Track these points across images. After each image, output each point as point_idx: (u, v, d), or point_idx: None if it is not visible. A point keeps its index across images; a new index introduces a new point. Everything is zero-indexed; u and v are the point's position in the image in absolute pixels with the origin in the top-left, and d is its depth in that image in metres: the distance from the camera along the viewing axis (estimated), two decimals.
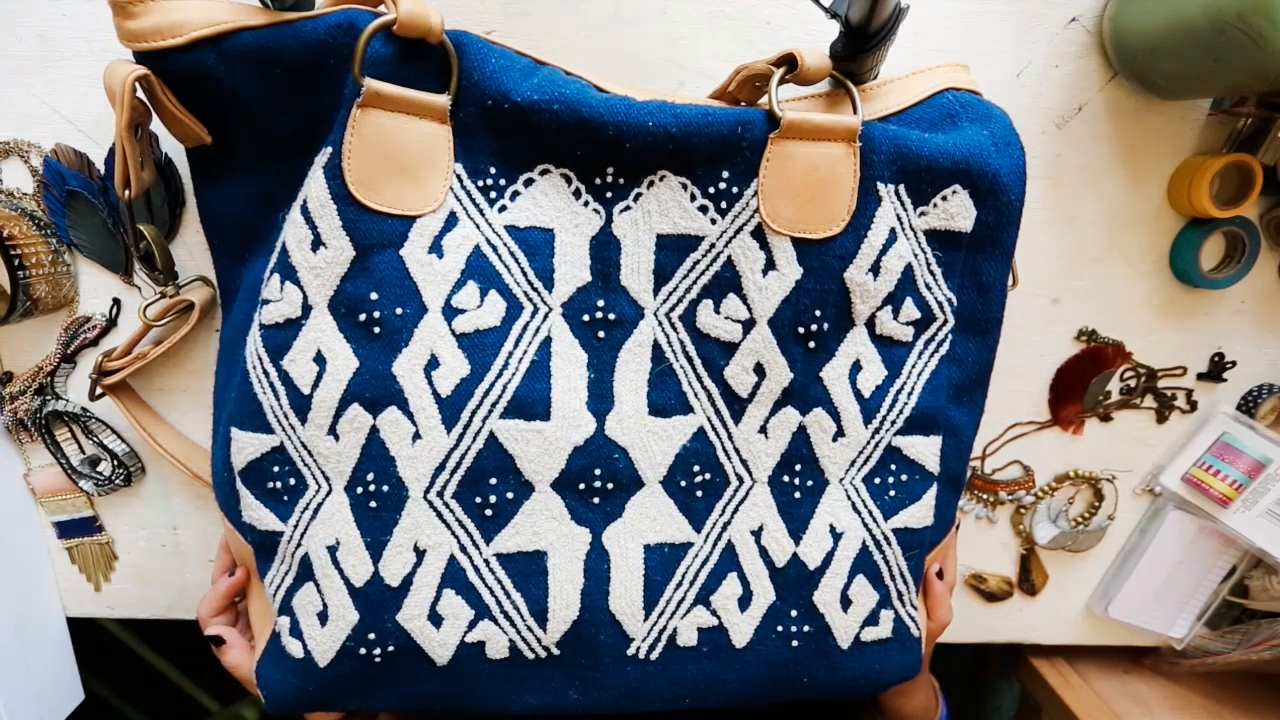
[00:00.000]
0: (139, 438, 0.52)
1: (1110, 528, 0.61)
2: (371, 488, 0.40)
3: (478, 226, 0.40)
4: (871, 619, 0.46)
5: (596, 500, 0.43)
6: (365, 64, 0.36)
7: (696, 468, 0.44)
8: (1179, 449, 0.59)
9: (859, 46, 0.39)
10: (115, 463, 0.52)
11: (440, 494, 0.41)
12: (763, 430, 0.44)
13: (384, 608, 0.41)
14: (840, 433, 0.44)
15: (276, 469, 0.41)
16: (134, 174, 0.40)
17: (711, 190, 0.41)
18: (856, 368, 0.44)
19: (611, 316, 0.42)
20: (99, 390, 0.48)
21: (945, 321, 0.45)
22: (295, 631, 0.42)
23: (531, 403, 0.41)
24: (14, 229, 0.45)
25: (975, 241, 0.44)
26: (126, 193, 0.40)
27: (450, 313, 0.40)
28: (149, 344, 0.48)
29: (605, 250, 0.42)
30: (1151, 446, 0.60)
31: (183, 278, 0.48)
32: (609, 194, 0.41)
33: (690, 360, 0.43)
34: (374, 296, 0.38)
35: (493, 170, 0.40)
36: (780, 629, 0.45)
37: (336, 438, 0.40)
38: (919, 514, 0.46)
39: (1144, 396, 0.58)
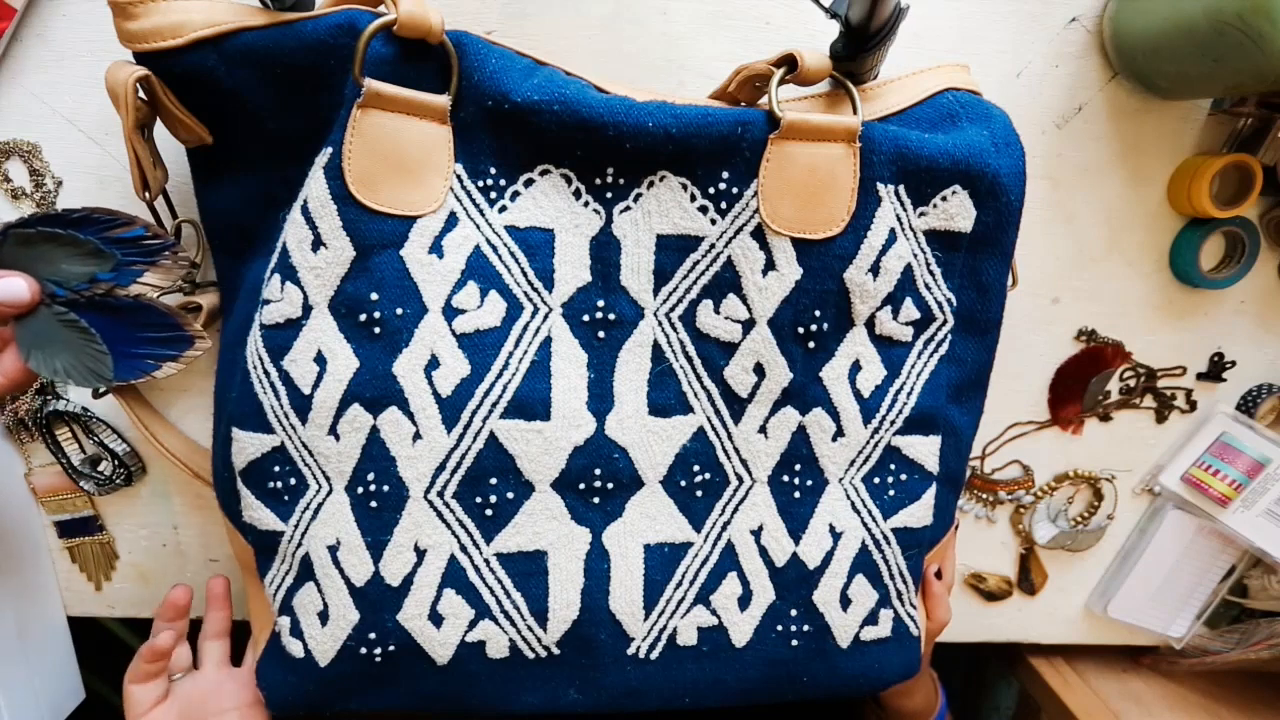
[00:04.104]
0: (140, 437, 0.52)
1: (1109, 527, 0.61)
2: (372, 488, 0.40)
3: (478, 227, 0.40)
4: (871, 618, 0.46)
5: (596, 500, 0.43)
6: (365, 64, 0.36)
7: (696, 467, 0.44)
8: (1178, 449, 0.59)
9: (859, 46, 0.39)
10: (116, 462, 0.52)
11: (440, 494, 0.41)
12: (762, 430, 0.44)
13: (384, 607, 0.41)
14: (840, 432, 0.44)
15: (277, 469, 0.41)
16: (149, 174, 0.40)
17: (711, 190, 0.41)
18: (856, 368, 0.44)
19: (611, 317, 0.42)
20: (102, 389, 0.48)
21: (945, 322, 0.45)
22: (296, 631, 0.42)
23: (532, 403, 0.41)
24: None
25: (975, 242, 0.44)
26: (146, 194, 0.40)
27: (450, 313, 0.40)
28: None
29: (605, 250, 0.42)
30: (1151, 446, 0.60)
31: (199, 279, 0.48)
32: (609, 194, 0.41)
33: (690, 360, 0.43)
34: (374, 297, 0.39)
35: (493, 170, 0.40)
36: (780, 628, 0.45)
37: (337, 438, 0.40)
38: (918, 513, 0.47)
39: (1143, 396, 0.58)
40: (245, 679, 0.47)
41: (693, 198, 0.41)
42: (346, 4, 0.38)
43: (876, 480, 0.46)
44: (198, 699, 0.47)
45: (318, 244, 0.38)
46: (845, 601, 0.46)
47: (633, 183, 0.41)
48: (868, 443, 0.45)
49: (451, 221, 0.40)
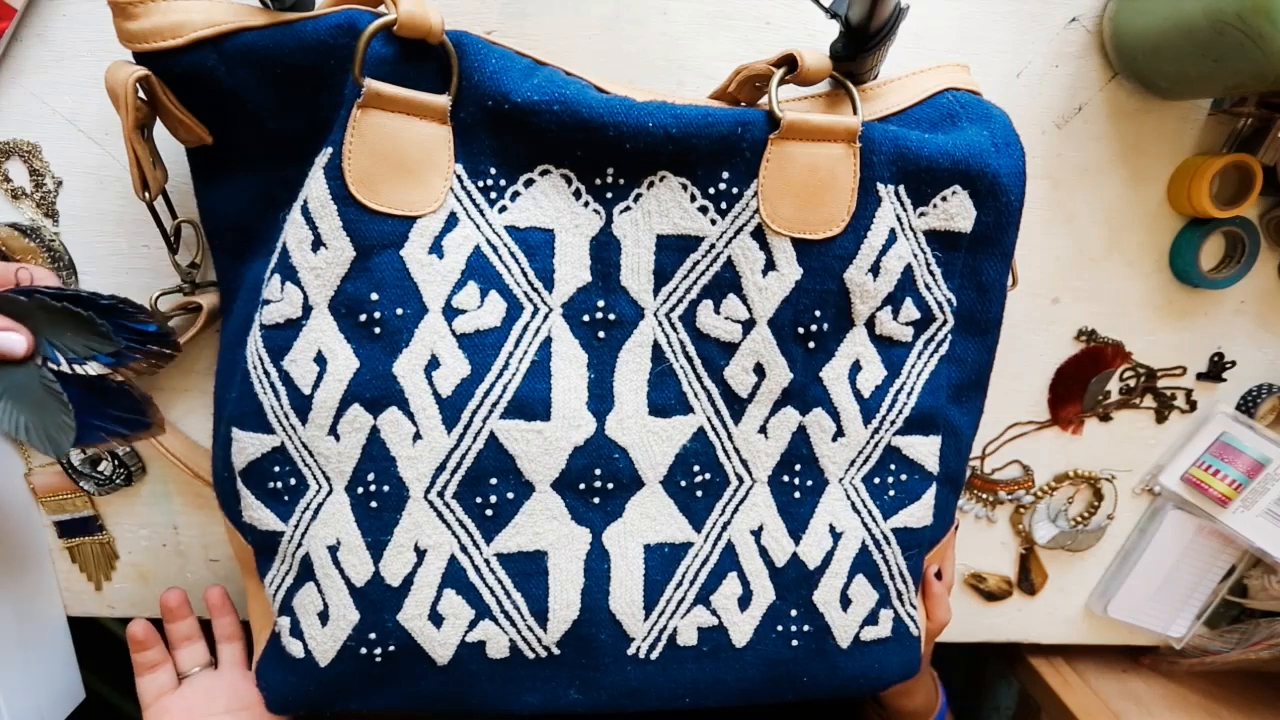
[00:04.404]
0: None
1: (1109, 527, 0.61)
2: (372, 488, 0.40)
3: (478, 227, 0.40)
4: (871, 618, 0.46)
5: (597, 500, 0.43)
6: (366, 64, 0.36)
7: (696, 468, 0.44)
8: (1178, 449, 0.59)
9: (859, 46, 0.39)
10: (116, 462, 0.52)
11: (441, 494, 0.41)
12: (762, 430, 0.44)
13: (385, 607, 0.41)
14: (840, 433, 0.44)
15: (277, 469, 0.41)
16: (149, 174, 0.40)
17: (711, 191, 0.41)
18: (856, 368, 0.44)
19: (612, 317, 0.42)
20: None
21: (945, 322, 0.45)
22: (296, 631, 0.42)
23: (532, 403, 0.41)
24: (29, 263, 0.45)
25: (975, 242, 0.44)
26: (146, 194, 0.40)
27: (451, 313, 0.40)
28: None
29: (605, 250, 0.42)
30: (1151, 446, 0.60)
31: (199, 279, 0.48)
32: (609, 194, 0.41)
33: (690, 360, 0.43)
34: (374, 297, 0.39)
35: (493, 171, 0.40)
36: (780, 628, 0.45)
37: (337, 438, 0.40)
38: (918, 514, 0.47)
39: (1143, 396, 0.58)
40: None
41: (693, 198, 0.41)
42: (346, 4, 0.38)
43: (877, 480, 0.46)
44: (213, 694, 0.48)
45: (318, 244, 0.38)
46: (845, 601, 0.46)
47: (633, 183, 0.41)
48: (868, 443, 0.45)
49: (451, 222, 0.40)
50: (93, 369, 0.38)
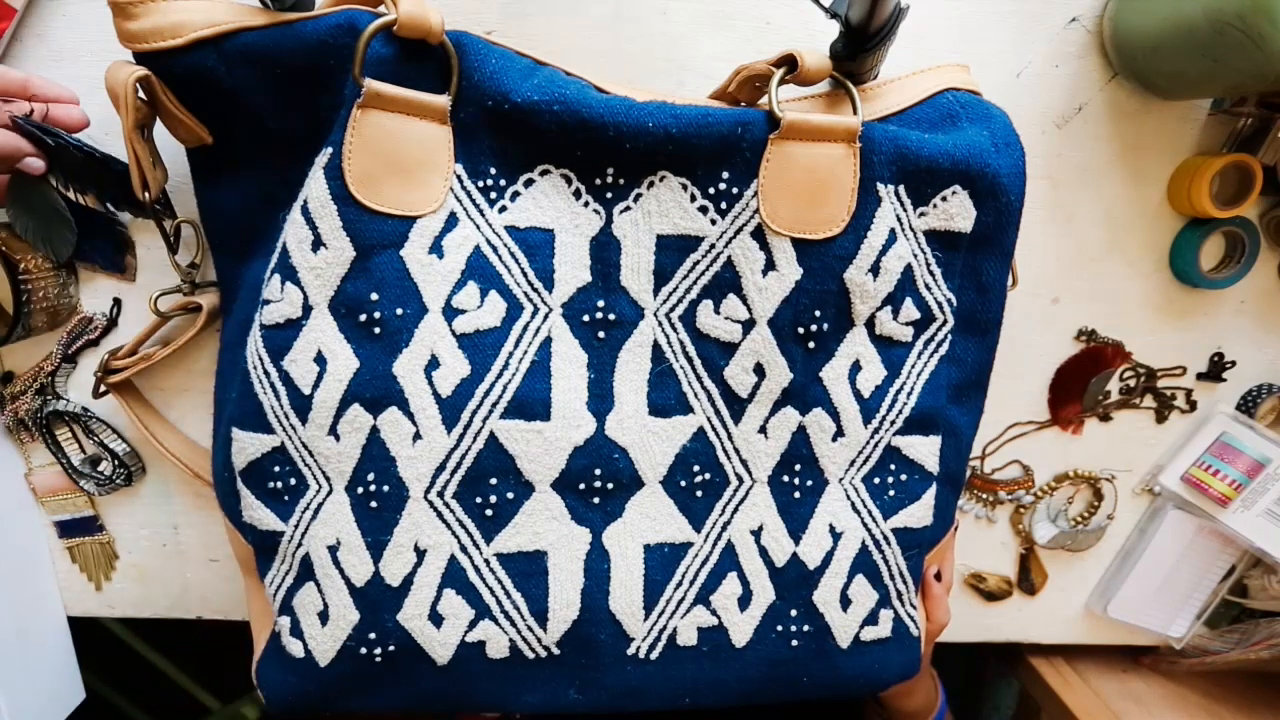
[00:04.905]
0: (140, 437, 0.52)
1: (1109, 527, 0.61)
2: (372, 488, 0.40)
3: (478, 227, 0.40)
4: (871, 618, 0.46)
5: (596, 500, 0.43)
6: (365, 64, 0.36)
7: (696, 468, 0.44)
8: (1178, 449, 0.59)
9: (859, 46, 0.39)
10: (116, 462, 0.52)
11: (440, 494, 0.41)
12: (762, 430, 0.44)
13: (384, 607, 0.41)
14: (840, 433, 0.44)
15: (277, 469, 0.41)
16: (149, 173, 0.40)
17: (711, 191, 0.41)
18: (856, 368, 0.44)
19: (611, 317, 0.42)
20: (103, 388, 0.48)
21: (945, 322, 0.45)
22: (296, 631, 0.42)
23: (531, 403, 0.41)
24: (30, 263, 0.45)
25: (975, 242, 0.44)
26: (146, 194, 0.41)
27: (450, 313, 0.40)
28: (155, 345, 0.49)
29: (605, 250, 0.42)
30: (1151, 446, 0.60)
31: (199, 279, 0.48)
32: (609, 194, 0.41)
33: (690, 360, 0.43)
34: (374, 297, 0.39)
35: (493, 171, 0.40)
36: (780, 628, 0.45)
37: (337, 438, 0.40)
38: (918, 514, 0.47)
39: (1143, 396, 0.58)
40: None
41: (693, 198, 0.41)
42: (346, 4, 0.38)
43: (876, 480, 0.46)
44: None
45: (318, 244, 0.38)
46: (845, 602, 0.46)
47: (633, 183, 0.41)
48: (868, 443, 0.45)
49: (451, 222, 0.40)
50: (92, 201, 0.45)
